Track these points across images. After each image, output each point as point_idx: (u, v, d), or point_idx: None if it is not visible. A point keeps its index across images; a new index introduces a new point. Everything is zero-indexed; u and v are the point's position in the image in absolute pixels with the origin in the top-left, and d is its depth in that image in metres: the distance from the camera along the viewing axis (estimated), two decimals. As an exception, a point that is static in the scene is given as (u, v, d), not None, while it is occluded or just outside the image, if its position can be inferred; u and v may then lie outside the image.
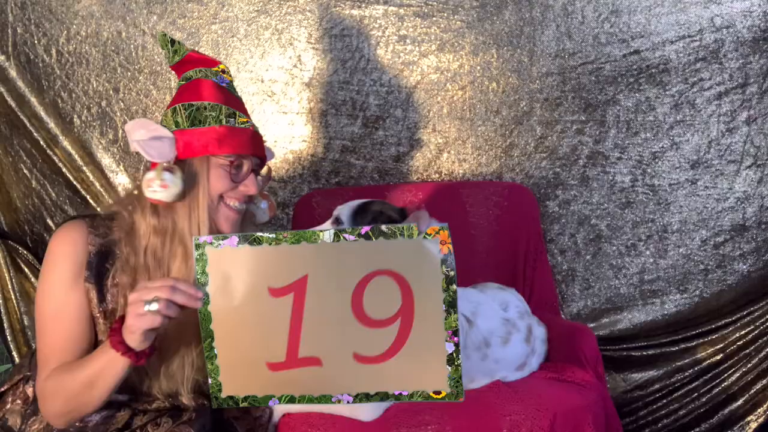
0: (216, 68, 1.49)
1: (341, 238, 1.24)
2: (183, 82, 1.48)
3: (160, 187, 1.35)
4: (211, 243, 1.25)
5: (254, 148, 1.48)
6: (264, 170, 1.59)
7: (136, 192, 1.49)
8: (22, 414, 1.42)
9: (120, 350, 1.24)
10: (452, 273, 1.24)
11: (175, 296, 1.20)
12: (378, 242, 1.23)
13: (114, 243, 1.44)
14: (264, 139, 1.55)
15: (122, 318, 1.27)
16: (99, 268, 1.42)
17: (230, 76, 1.51)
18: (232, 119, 1.44)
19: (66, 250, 1.41)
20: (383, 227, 1.23)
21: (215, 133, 1.42)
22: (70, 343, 1.38)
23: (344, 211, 1.84)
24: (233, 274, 1.26)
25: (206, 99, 1.44)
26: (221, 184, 1.44)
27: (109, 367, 1.27)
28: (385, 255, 1.24)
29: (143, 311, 1.19)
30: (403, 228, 1.23)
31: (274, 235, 1.25)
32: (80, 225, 1.44)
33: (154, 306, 1.19)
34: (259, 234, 1.26)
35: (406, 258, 1.24)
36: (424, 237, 1.24)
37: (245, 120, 1.47)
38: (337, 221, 1.84)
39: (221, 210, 1.46)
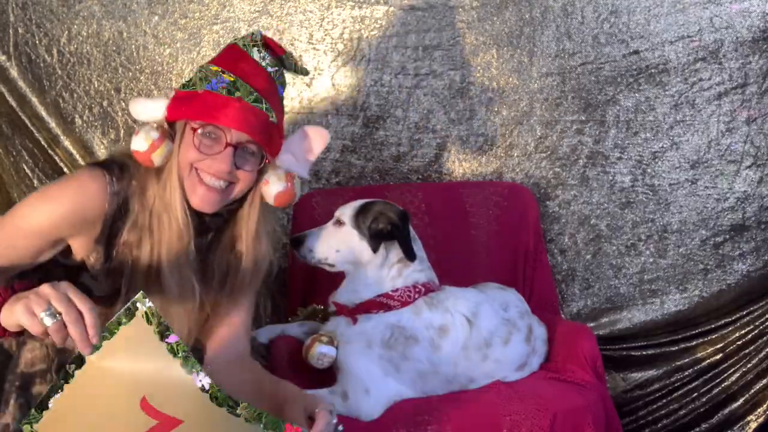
0: (264, 51, 1.40)
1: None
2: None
3: (137, 141, 1.34)
4: (148, 309, 1.08)
5: (240, 123, 1.34)
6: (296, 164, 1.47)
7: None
8: (17, 339, 1.40)
9: None
10: None
11: (72, 327, 1.05)
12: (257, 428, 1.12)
13: (129, 201, 1.39)
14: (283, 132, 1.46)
15: (18, 289, 1.16)
16: (112, 228, 1.38)
17: (277, 65, 1.42)
18: (226, 88, 1.34)
19: (76, 201, 1.35)
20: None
21: (196, 98, 1.35)
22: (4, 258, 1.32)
23: (346, 210, 1.85)
24: (129, 355, 1.09)
25: (217, 63, 1.38)
26: (190, 153, 1.36)
27: None
28: None
29: (36, 312, 1.05)
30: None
31: (192, 361, 1.10)
32: (103, 183, 1.37)
33: (48, 320, 1.04)
34: (183, 351, 1.09)
35: None
36: None
37: (244, 94, 1.35)
38: (339, 223, 1.84)
39: (192, 182, 1.38)
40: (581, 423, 1.66)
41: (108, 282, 1.41)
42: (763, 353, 2.43)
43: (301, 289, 2.22)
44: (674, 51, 2.42)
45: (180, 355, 1.09)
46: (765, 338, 2.44)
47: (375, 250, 1.79)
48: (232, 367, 1.53)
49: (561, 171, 2.49)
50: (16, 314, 1.05)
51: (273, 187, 1.44)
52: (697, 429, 2.46)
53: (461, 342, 1.78)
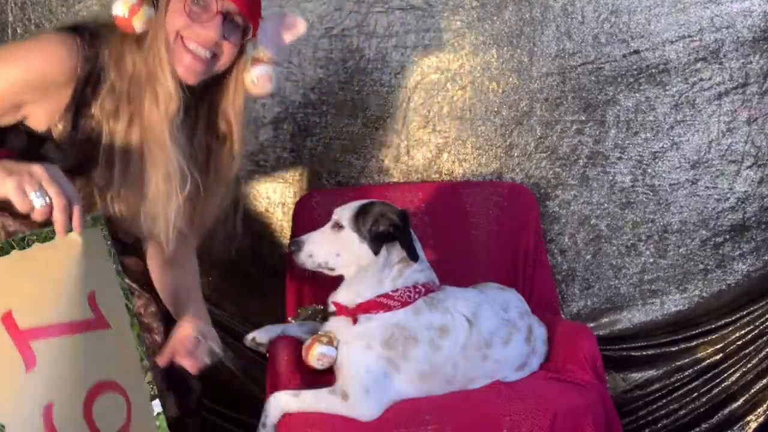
0: None
1: None
2: None
3: (116, 6, 1.32)
4: (104, 229, 1.20)
5: None
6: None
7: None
8: None
9: None
10: None
11: (59, 213, 1.06)
12: None
13: (103, 69, 1.36)
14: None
15: (4, 155, 1.18)
16: (82, 95, 1.35)
17: None
18: None
19: (42, 67, 1.32)
20: None
21: None
22: None
23: (345, 213, 1.84)
24: (89, 255, 1.13)
25: None
26: (178, 20, 1.34)
27: None
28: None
29: (27, 192, 1.05)
30: None
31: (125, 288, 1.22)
32: (74, 48, 1.34)
33: (38, 202, 1.06)
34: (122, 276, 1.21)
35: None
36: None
37: None
38: (338, 226, 1.83)
39: (178, 50, 1.36)
40: (581, 423, 1.66)
41: (72, 152, 1.37)
42: (763, 353, 2.43)
43: (301, 289, 2.21)
44: (675, 51, 2.42)
45: (120, 276, 1.21)
46: (765, 338, 2.43)
47: (376, 252, 1.78)
48: (174, 266, 1.57)
49: (561, 171, 2.49)
50: (6, 188, 1.06)
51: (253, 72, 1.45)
52: (697, 429, 2.45)
53: (461, 342, 1.78)
